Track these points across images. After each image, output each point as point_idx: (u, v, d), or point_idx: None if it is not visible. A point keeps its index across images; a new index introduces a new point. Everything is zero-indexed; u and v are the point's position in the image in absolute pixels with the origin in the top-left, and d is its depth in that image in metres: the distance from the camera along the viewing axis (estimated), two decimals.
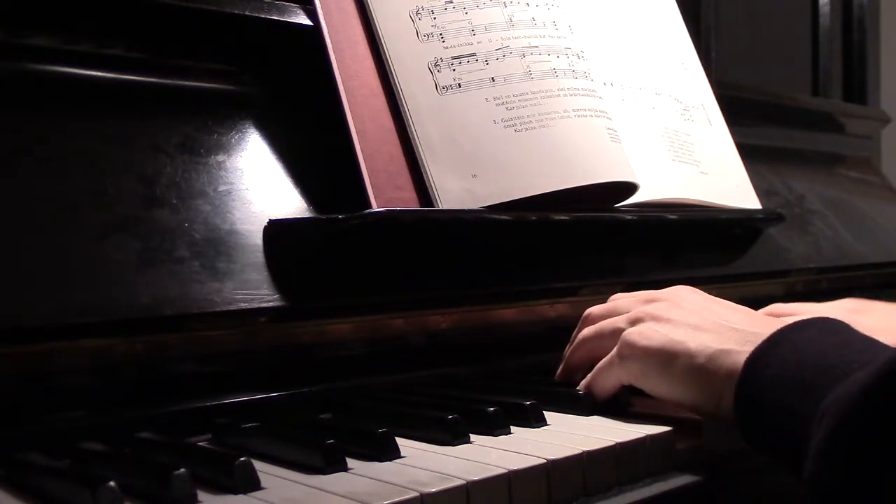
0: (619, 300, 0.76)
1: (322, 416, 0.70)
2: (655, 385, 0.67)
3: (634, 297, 0.75)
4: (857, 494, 0.49)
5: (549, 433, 0.64)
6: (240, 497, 0.51)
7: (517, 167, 0.81)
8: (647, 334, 0.67)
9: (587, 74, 0.90)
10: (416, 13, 0.84)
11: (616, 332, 0.71)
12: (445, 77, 0.83)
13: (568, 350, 0.77)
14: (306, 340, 0.74)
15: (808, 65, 1.74)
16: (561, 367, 0.78)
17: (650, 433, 0.63)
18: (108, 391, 0.64)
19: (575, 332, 0.78)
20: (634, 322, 0.70)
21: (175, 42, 0.76)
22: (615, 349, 0.69)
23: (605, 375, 0.70)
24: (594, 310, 0.77)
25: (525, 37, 0.87)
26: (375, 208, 0.74)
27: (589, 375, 0.72)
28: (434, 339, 0.81)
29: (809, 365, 0.57)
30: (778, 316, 0.75)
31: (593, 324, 0.75)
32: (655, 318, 0.69)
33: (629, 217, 0.92)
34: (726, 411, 0.61)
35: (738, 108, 1.21)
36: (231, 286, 0.68)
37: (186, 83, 0.77)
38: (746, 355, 0.61)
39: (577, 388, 0.72)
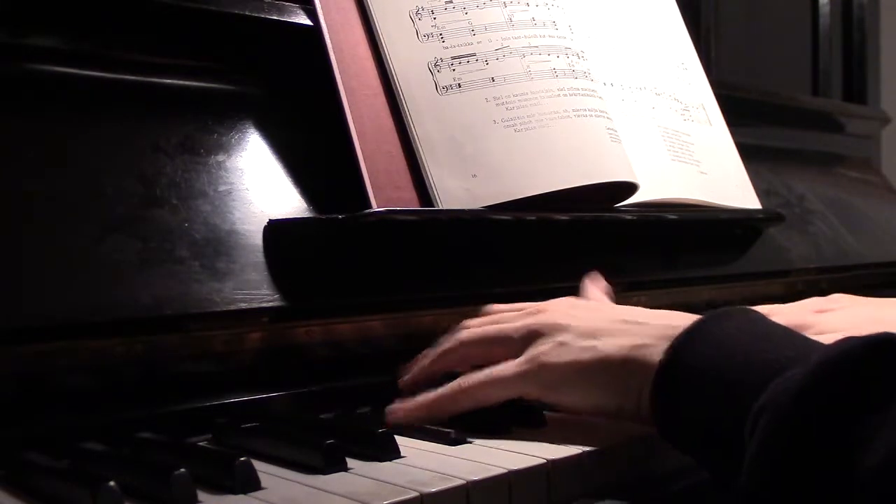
0: (500, 312, 0.71)
1: (322, 416, 0.70)
2: (568, 398, 0.63)
3: (517, 309, 0.70)
4: (796, 500, 0.47)
5: (550, 433, 0.64)
6: (240, 497, 0.51)
7: (517, 167, 0.81)
8: (555, 352, 0.63)
9: (587, 74, 0.90)
10: (416, 13, 0.84)
11: (506, 342, 0.66)
12: (445, 77, 0.83)
13: (432, 353, 0.70)
14: (306, 340, 0.74)
15: (808, 65, 1.74)
16: (417, 369, 0.70)
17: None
18: (108, 391, 0.64)
19: (440, 341, 0.71)
20: (531, 335, 0.65)
21: (175, 42, 0.76)
22: (517, 363, 0.64)
23: (501, 387, 0.64)
24: (472, 321, 0.71)
25: (525, 37, 0.87)
26: (375, 208, 0.74)
27: (473, 380, 0.65)
28: (433, 338, 0.81)
29: (733, 361, 0.54)
30: None
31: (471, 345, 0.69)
32: (555, 329, 0.64)
33: (629, 217, 0.92)
34: (645, 411, 0.59)
35: (738, 108, 1.21)
36: (231, 286, 0.68)
37: (186, 83, 0.77)
38: (662, 349, 0.58)
39: (447, 388, 0.65)
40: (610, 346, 0.62)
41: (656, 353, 0.58)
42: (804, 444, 0.47)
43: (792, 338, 0.56)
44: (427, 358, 0.70)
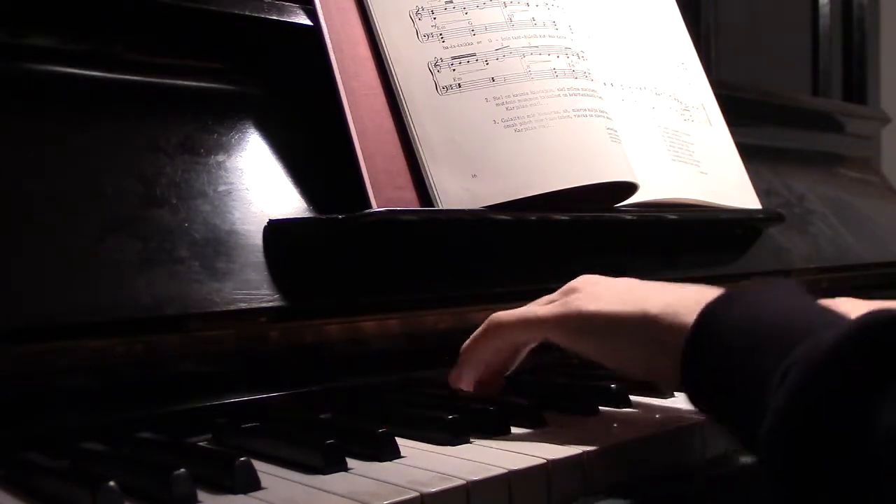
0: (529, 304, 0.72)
1: (322, 416, 0.70)
2: (594, 347, 0.64)
3: (546, 298, 0.71)
4: (815, 453, 0.47)
5: (550, 433, 0.64)
6: (240, 497, 0.51)
7: (517, 167, 0.81)
8: (591, 299, 0.64)
9: (587, 74, 0.90)
10: (416, 13, 0.84)
11: (543, 301, 0.68)
12: (445, 77, 0.83)
13: (471, 344, 0.70)
14: (306, 340, 0.74)
15: (808, 65, 1.74)
16: (466, 350, 0.70)
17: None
18: (108, 391, 0.64)
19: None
20: (568, 290, 0.67)
21: (175, 42, 0.76)
22: (553, 307, 0.66)
23: (531, 327, 0.66)
24: (502, 314, 0.70)
25: (525, 37, 0.87)
26: (375, 208, 0.74)
27: (510, 316, 0.67)
28: (434, 339, 0.81)
29: (769, 322, 0.55)
30: None
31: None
32: (593, 284, 0.66)
33: (629, 217, 0.92)
34: (674, 370, 0.59)
35: (738, 108, 1.21)
36: (231, 286, 0.68)
37: (186, 83, 0.77)
38: (697, 311, 0.58)
39: (483, 326, 0.68)
40: (646, 302, 0.62)
41: (691, 314, 0.59)
42: (829, 399, 0.47)
43: (828, 310, 0.57)
44: (465, 346, 0.71)
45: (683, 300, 0.61)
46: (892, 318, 0.48)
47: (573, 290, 0.67)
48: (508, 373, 0.73)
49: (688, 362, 0.58)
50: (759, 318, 0.56)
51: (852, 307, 0.86)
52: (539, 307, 0.68)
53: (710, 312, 0.58)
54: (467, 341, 0.70)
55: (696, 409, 0.60)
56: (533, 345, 0.70)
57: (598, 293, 0.65)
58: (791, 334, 0.53)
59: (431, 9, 0.85)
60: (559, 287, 0.77)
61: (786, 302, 0.57)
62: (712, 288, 0.63)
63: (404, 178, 0.79)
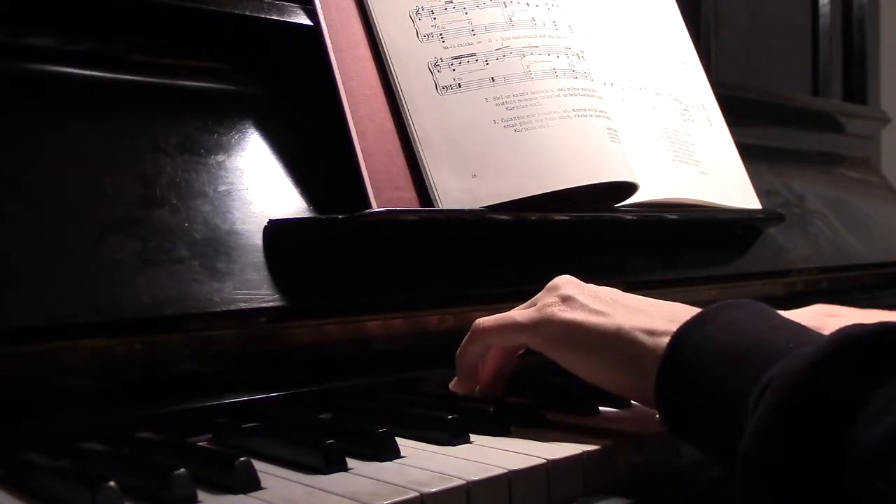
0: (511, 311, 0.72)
1: (322, 416, 0.70)
2: (569, 357, 0.64)
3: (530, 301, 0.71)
4: (794, 470, 0.47)
5: (550, 433, 0.64)
6: (240, 497, 0.51)
7: (517, 167, 0.81)
8: (567, 307, 0.64)
9: (587, 74, 0.90)
10: (416, 13, 0.84)
11: (528, 304, 0.68)
12: (445, 77, 0.83)
13: (460, 350, 0.72)
14: (306, 340, 0.74)
15: (808, 65, 1.74)
16: (458, 361, 0.72)
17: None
18: (108, 391, 0.64)
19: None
20: (549, 290, 0.67)
21: (175, 42, 0.76)
22: (530, 312, 0.66)
23: (511, 332, 0.67)
24: (484, 319, 0.71)
25: (525, 37, 0.87)
26: (375, 208, 0.74)
27: (487, 321, 0.68)
28: (434, 339, 0.81)
29: (742, 342, 0.54)
30: None
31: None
32: (572, 287, 0.66)
33: (629, 217, 0.92)
34: (647, 389, 0.58)
35: (738, 108, 1.21)
36: (231, 286, 0.68)
37: (186, 83, 0.77)
38: (672, 333, 0.58)
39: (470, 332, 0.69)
40: (621, 318, 0.62)
41: (665, 335, 0.59)
42: (805, 418, 0.47)
43: (800, 327, 0.56)
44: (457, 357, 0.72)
45: (657, 319, 0.61)
46: (865, 334, 0.48)
47: (552, 293, 0.67)
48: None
49: (661, 386, 0.58)
50: (732, 340, 0.55)
51: (858, 312, 0.87)
52: (518, 311, 0.68)
53: (683, 334, 0.58)
54: (457, 355, 0.71)
55: (671, 432, 0.59)
56: (520, 350, 0.71)
57: (575, 301, 0.65)
58: (765, 355, 0.52)
59: (431, 9, 0.85)
60: None
61: (759, 323, 0.57)
62: (688, 308, 0.63)
63: (404, 178, 0.79)
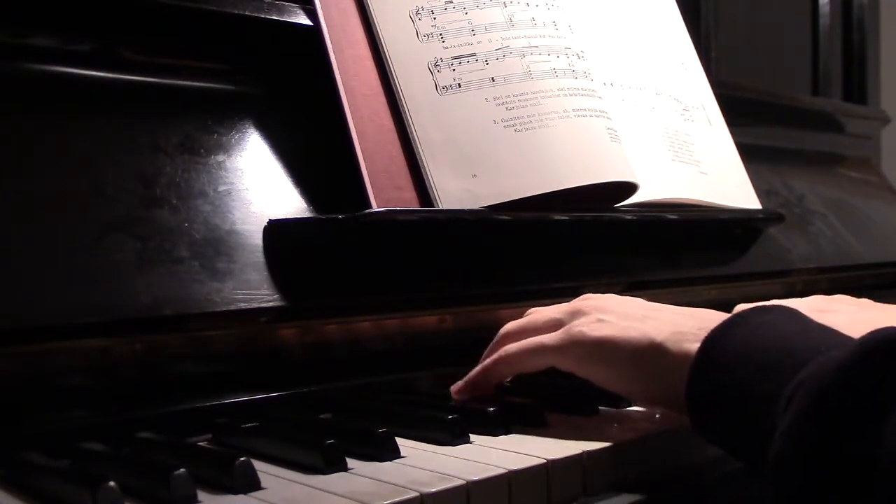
0: (540, 312, 0.72)
1: (322, 416, 0.70)
2: (601, 373, 0.65)
3: (556, 307, 0.71)
4: (825, 473, 0.47)
5: (550, 433, 0.64)
6: (240, 497, 0.51)
7: (517, 167, 0.81)
8: (597, 325, 0.65)
9: (587, 74, 0.90)
10: (416, 13, 0.84)
11: (550, 323, 0.68)
12: (445, 77, 0.83)
13: (487, 361, 0.71)
14: (306, 340, 0.74)
15: (808, 65, 1.74)
16: (474, 375, 0.71)
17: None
18: (108, 391, 0.64)
19: (490, 348, 0.73)
20: (575, 314, 0.67)
21: (175, 42, 0.76)
22: (558, 334, 0.66)
23: (539, 355, 0.67)
24: (512, 325, 0.72)
25: (525, 37, 0.87)
26: (375, 208, 0.74)
27: (515, 347, 0.68)
28: (434, 339, 0.81)
29: (772, 347, 0.55)
30: None
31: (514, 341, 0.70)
32: (599, 309, 0.66)
33: (629, 217, 0.92)
34: (680, 398, 0.59)
35: (738, 108, 1.21)
36: (231, 286, 0.68)
37: (186, 83, 0.77)
38: (701, 338, 0.59)
39: (491, 358, 0.69)
40: (652, 328, 0.63)
41: (695, 341, 0.59)
42: (835, 421, 0.47)
43: (830, 330, 0.57)
44: (474, 372, 0.72)
45: (687, 326, 0.61)
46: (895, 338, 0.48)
47: (578, 313, 0.68)
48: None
49: (693, 391, 0.58)
50: (762, 344, 0.56)
51: (852, 305, 0.87)
52: (545, 336, 0.68)
53: (713, 340, 0.58)
54: (477, 371, 0.71)
55: (703, 438, 0.60)
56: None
57: (603, 317, 0.66)
58: (795, 358, 0.53)
59: (431, 9, 0.85)
60: (559, 287, 0.77)
61: (788, 326, 0.57)
62: (718, 313, 0.63)
63: (404, 178, 0.79)
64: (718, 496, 0.65)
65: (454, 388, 0.72)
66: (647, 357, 0.62)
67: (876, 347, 0.48)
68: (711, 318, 0.61)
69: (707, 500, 0.65)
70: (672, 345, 0.61)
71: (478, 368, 0.71)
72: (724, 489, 0.65)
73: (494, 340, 0.73)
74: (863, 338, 0.49)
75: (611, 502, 0.58)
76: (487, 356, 0.72)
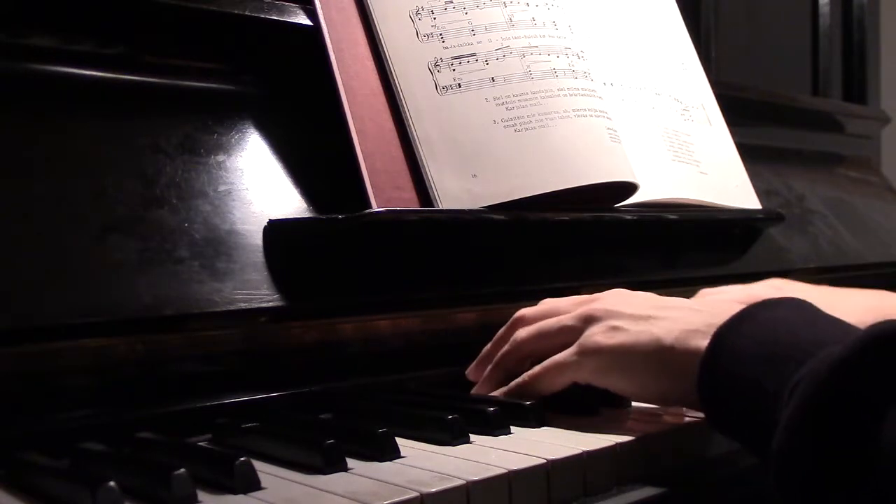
0: (554, 302, 0.73)
1: (322, 416, 0.70)
2: (619, 381, 0.66)
3: (570, 300, 0.73)
4: (823, 468, 0.48)
5: (550, 433, 0.64)
6: (240, 497, 0.51)
7: (517, 167, 0.81)
8: (609, 333, 0.65)
9: (587, 74, 0.90)
10: (416, 13, 0.84)
11: (563, 331, 0.69)
12: (445, 77, 0.83)
13: (495, 353, 0.74)
14: (306, 340, 0.74)
15: (808, 65, 1.74)
16: (488, 371, 0.73)
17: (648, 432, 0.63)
18: (108, 391, 0.64)
19: (501, 333, 0.74)
20: (588, 320, 0.68)
21: (175, 42, 0.76)
22: (573, 349, 0.67)
23: (559, 374, 0.68)
24: (527, 311, 0.74)
25: (525, 37, 0.87)
26: (375, 208, 0.74)
27: (534, 373, 0.69)
28: (434, 338, 0.81)
29: (779, 341, 0.56)
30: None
31: (528, 325, 0.72)
32: (610, 314, 0.67)
33: (629, 217, 0.92)
34: (693, 393, 0.60)
35: (738, 108, 1.21)
36: (231, 286, 0.68)
37: (186, 83, 0.77)
38: (711, 334, 0.60)
39: (513, 384, 0.70)
40: (662, 329, 0.63)
41: (704, 338, 0.60)
42: (836, 412, 0.48)
43: (840, 323, 0.57)
44: (491, 363, 0.73)
45: (697, 323, 0.62)
46: (893, 332, 0.48)
47: (591, 320, 0.68)
48: None
49: (703, 387, 0.59)
50: (770, 338, 0.56)
51: (798, 290, 0.87)
52: (561, 355, 0.68)
53: (722, 336, 0.59)
54: (502, 391, 0.72)
55: (720, 433, 0.60)
56: None
57: (616, 323, 0.66)
58: (800, 351, 0.53)
59: (431, 9, 0.85)
60: (559, 287, 0.77)
61: (795, 319, 0.58)
62: (730, 305, 0.63)
63: (404, 178, 0.79)
64: (724, 496, 0.65)
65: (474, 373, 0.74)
66: (661, 360, 0.63)
67: (873, 342, 0.48)
68: (721, 313, 0.61)
69: (712, 498, 0.65)
70: (681, 344, 0.62)
71: (503, 390, 0.71)
72: (728, 489, 0.66)
73: (507, 324, 0.74)
74: (861, 332, 0.50)
75: (611, 502, 0.58)
76: (500, 339, 0.73)
